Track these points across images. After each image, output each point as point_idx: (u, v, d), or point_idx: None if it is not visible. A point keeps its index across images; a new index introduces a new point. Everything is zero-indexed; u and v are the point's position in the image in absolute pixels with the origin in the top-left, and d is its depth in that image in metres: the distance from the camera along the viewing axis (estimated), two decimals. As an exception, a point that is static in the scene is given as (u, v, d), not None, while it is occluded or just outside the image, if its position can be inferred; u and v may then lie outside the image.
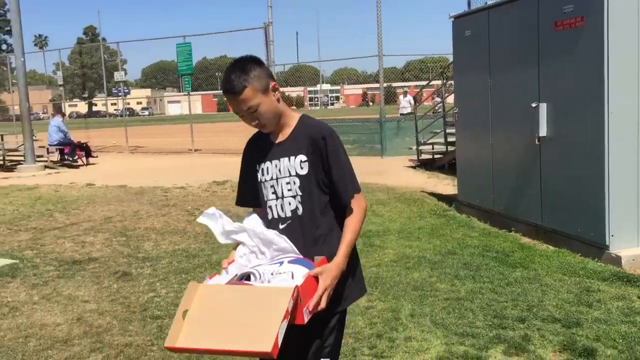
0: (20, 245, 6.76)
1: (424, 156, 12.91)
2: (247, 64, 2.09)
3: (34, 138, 15.76)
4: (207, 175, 12.25)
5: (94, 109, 72.38)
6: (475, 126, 7.15)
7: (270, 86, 2.11)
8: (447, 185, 9.94)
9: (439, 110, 15.00)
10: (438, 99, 20.98)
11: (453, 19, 7.44)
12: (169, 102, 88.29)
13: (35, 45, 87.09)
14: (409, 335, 3.83)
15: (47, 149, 16.00)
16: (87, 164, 16.28)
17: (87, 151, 16.48)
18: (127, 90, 36.80)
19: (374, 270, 5.25)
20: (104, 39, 72.53)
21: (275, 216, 2.18)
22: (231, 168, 13.37)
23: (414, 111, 14.24)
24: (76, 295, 4.92)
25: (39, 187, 11.60)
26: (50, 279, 5.39)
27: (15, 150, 16.37)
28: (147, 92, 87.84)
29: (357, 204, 2.14)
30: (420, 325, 3.99)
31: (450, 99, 13.18)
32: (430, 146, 12.71)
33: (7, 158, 16.03)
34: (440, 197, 8.63)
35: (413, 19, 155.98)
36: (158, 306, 4.57)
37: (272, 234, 2.08)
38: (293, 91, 59.73)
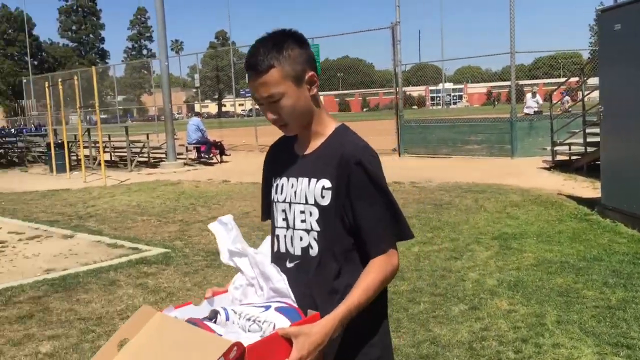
0: (170, 236, 7.33)
1: (559, 157, 12.30)
2: (285, 40, 1.62)
3: (174, 137, 16.94)
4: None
5: (223, 109, 76.20)
6: (624, 125, 6.71)
7: (307, 76, 1.62)
8: (586, 188, 9.40)
9: (569, 109, 14.22)
10: (567, 98, 19.84)
11: (599, 13, 7.03)
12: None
13: (172, 50, 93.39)
14: (557, 342, 3.71)
15: (186, 147, 17.13)
16: (221, 161, 17.22)
17: (222, 149, 17.43)
18: (253, 92, 38.29)
19: (513, 274, 5.12)
20: (233, 43, 76.18)
21: (283, 250, 1.71)
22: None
23: (550, 111, 13.58)
24: (224, 285, 5.25)
25: (182, 183, 12.48)
26: (200, 268, 5.80)
27: (159, 148, 17.69)
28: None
29: (387, 258, 1.60)
30: (568, 333, 3.84)
31: (588, 97, 12.43)
32: (567, 147, 12.07)
33: (151, 155, 17.37)
34: (580, 201, 8.18)
35: (542, 13, 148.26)
36: (300, 298, 4.77)
37: (271, 268, 1.67)
38: (414, 90, 59.14)
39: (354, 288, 1.56)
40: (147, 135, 17.98)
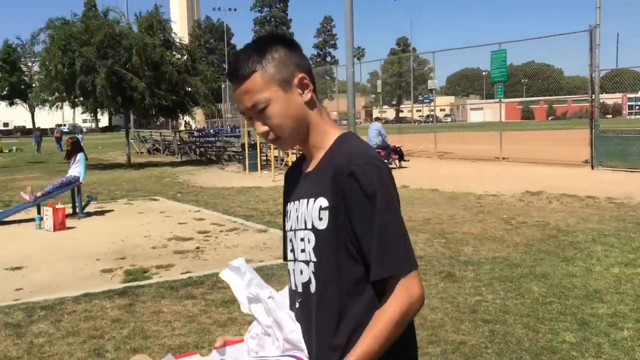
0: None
1: None
2: (269, 43, 1.44)
3: (356, 141, 17.43)
4: (518, 184, 11.97)
5: (400, 114, 76.69)
6: None
7: (296, 79, 1.42)
8: None
9: None
10: None
11: None
12: (471, 109, 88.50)
13: (354, 56, 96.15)
14: None
15: (366, 151, 17.52)
16: (400, 166, 17.36)
17: (401, 155, 17.57)
18: (431, 98, 38.18)
19: None
20: (414, 49, 76.45)
21: (292, 287, 1.50)
22: (543, 179, 12.84)
23: None
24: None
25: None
26: (383, 271, 5.91)
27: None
28: (451, 99, 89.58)
29: (403, 289, 1.32)
30: None
31: None
32: None
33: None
34: None
35: None
36: (487, 310, 4.66)
37: (284, 315, 1.46)
38: (610, 98, 54.31)
39: (364, 334, 1.32)
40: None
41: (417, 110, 66.87)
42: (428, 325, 4.39)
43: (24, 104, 77.75)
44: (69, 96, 20.83)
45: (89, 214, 9.90)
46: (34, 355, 4.03)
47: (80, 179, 9.85)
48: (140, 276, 5.94)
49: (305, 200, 1.42)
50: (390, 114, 78.25)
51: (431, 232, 7.75)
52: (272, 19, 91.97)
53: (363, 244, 1.34)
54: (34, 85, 62.39)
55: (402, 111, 77.85)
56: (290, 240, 1.48)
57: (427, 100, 44.59)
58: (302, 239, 1.42)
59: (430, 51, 23.17)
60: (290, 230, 1.48)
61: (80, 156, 9.97)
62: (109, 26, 19.55)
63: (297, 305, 1.47)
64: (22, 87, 76.47)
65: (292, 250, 1.47)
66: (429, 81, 23.46)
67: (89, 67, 18.91)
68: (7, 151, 34.34)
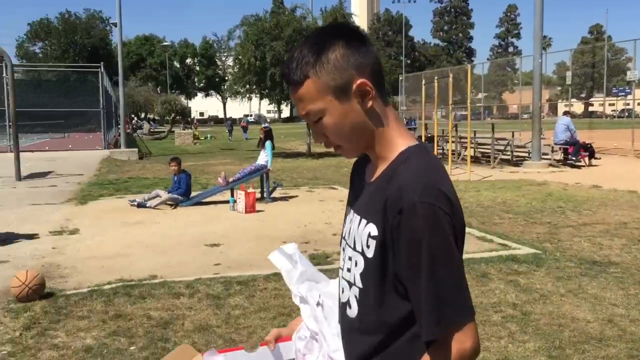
0: (538, 237, 7.17)
1: None
2: (328, 40, 1.26)
3: (541, 136, 16.46)
4: None
5: (590, 109, 70.76)
6: None
7: (354, 86, 1.23)
8: None
9: None
10: None
11: None
12: (677, 103, 78.75)
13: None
14: None
15: (552, 147, 16.46)
16: (589, 165, 16.05)
17: (591, 152, 16.23)
18: (628, 91, 34.62)
19: None
20: (609, 37, 70.01)
21: (339, 299, 1.42)
22: None
23: None
24: (602, 296, 4.91)
25: (548, 184, 12.07)
26: (573, 275, 5.53)
27: (522, 147, 17.44)
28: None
29: (454, 343, 1.16)
30: None
31: None
32: None
33: (514, 154, 17.24)
34: None
35: None
36: (699, 329, 4.15)
37: (330, 330, 1.37)
38: None
39: None
40: (513, 133, 17.90)
41: (610, 104, 61.08)
42: (628, 338, 4.03)
43: (217, 96, 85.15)
44: (259, 88, 22.30)
45: (275, 199, 10.56)
46: (231, 325, 4.41)
47: (268, 165, 10.53)
48: (323, 261, 6.20)
49: (359, 217, 1.30)
50: (577, 107, 72.58)
51: (629, 237, 7.07)
52: (452, 10, 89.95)
53: (410, 292, 1.20)
54: (226, 78, 67.98)
55: (591, 105, 71.74)
56: (343, 250, 1.38)
57: (623, 93, 40.50)
58: (350, 258, 1.31)
59: (631, 39, 20.99)
60: (343, 238, 1.39)
61: (267, 144, 10.65)
62: (297, 22, 20.57)
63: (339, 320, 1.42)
64: (217, 80, 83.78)
65: (343, 260, 1.37)
66: (628, 72, 21.29)
67: (278, 60, 20.09)
68: (203, 138, 37.84)
